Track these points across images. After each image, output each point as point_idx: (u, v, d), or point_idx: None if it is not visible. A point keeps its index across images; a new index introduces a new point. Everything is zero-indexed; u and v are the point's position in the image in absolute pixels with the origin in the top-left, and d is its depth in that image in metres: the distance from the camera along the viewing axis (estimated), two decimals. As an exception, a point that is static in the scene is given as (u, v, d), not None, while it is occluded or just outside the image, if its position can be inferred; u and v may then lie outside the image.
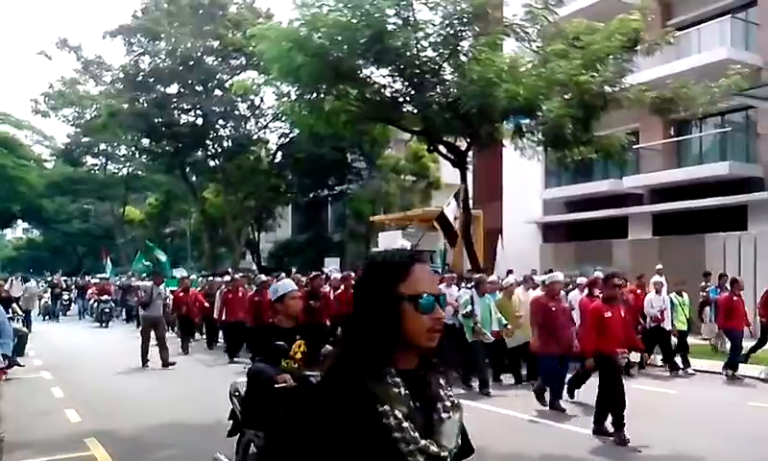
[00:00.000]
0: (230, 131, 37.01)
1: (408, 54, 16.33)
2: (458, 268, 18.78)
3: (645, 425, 8.34)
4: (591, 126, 16.77)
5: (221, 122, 36.61)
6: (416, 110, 17.69)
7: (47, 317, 30.23)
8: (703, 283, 16.67)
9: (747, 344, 13.32)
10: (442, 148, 19.03)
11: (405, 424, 1.60)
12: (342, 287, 14.24)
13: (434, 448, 1.63)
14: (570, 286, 13.32)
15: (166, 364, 14.56)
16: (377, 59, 16.49)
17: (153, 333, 15.06)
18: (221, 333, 18.17)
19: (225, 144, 37.06)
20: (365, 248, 34.66)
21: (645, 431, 8.08)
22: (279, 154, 38.30)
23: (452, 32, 16.39)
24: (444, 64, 17.02)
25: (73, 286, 35.06)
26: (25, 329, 14.56)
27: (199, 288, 19.52)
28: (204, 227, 41.03)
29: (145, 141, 38.36)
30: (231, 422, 5.87)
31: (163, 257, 26.78)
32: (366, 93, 17.63)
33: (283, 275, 16.24)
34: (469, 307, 11.58)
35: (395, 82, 17.56)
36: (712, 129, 21.93)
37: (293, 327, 5.42)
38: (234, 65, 36.84)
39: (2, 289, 16.68)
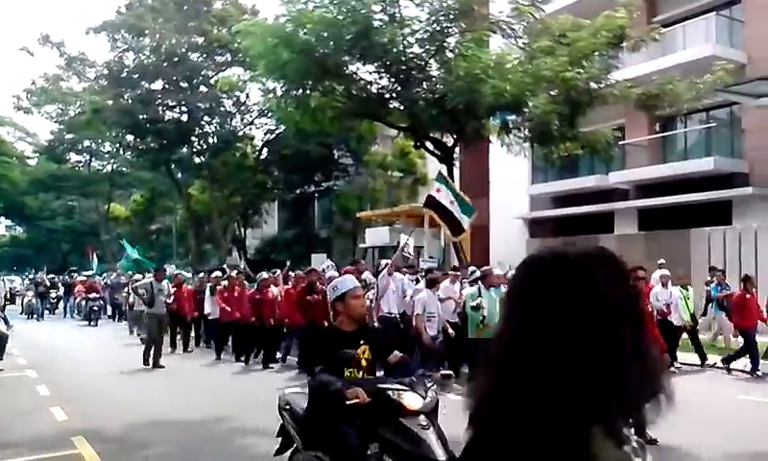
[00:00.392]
0: (216, 127, 36.82)
1: (394, 50, 16.34)
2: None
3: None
4: (577, 122, 16.87)
5: (206, 118, 36.41)
6: (402, 107, 17.71)
7: (31, 316, 29.78)
8: (708, 278, 16.25)
9: (762, 339, 12.76)
10: (428, 144, 19.06)
11: None
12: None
13: None
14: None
15: (157, 364, 14.32)
16: (363, 55, 16.49)
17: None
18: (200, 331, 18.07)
19: (210, 141, 36.91)
20: (352, 244, 34.67)
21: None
22: (265, 150, 38.18)
23: (438, 28, 16.42)
24: (431, 61, 17.05)
25: (60, 284, 34.43)
26: (5, 330, 14.31)
27: (192, 286, 19.26)
28: (190, 224, 40.82)
29: (130, 138, 38.02)
30: (280, 439, 5.34)
31: (135, 255, 26.72)
32: (352, 89, 17.64)
33: (278, 271, 16.08)
34: (478, 300, 11.10)
35: (381, 78, 17.57)
36: (697, 125, 22.07)
37: (355, 330, 4.89)
38: (219, 62, 36.67)
39: None
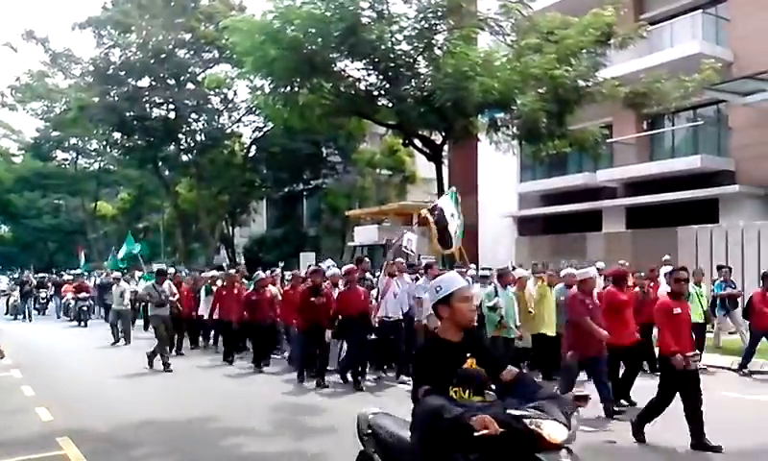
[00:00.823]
0: (203, 125, 36.61)
1: (382, 47, 16.30)
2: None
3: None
4: (566, 120, 16.93)
5: (193, 116, 36.17)
6: (390, 104, 17.67)
7: (17, 316, 29.08)
8: (715, 277, 16.02)
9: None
10: (417, 142, 19.05)
11: None
12: (347, 283, 11.88)
13: None
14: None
15: (151, 364, 13.68)
16: (351, 52, 16.45)
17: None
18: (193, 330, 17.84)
19: (198, 138, 36.71)
20: (340, 242, 34.63)
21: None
22: (253, 148, 38.03)
23: (427, 25, 16.42)
24: (419, 58, 17.04)
25: (49, 284, 33.39)
26: None
27: (186, 285, 19.00)
28: (178, 222, 40.63)
29: (116, 135, 37.70)
30: None
31: (135, 250, 26.54)
32: (340, 87, 17.58)
33: (277, 270, 15.91)
34: (496, 299, 10.86)
35: (369, 75, 17.53)
36: (685, 123, 22.18)
37: (461, 339, 3.91)
38: (207, 58, 36.48)
39: None
